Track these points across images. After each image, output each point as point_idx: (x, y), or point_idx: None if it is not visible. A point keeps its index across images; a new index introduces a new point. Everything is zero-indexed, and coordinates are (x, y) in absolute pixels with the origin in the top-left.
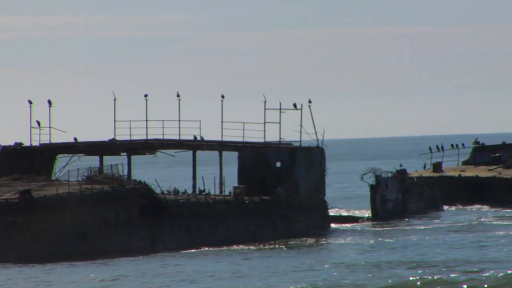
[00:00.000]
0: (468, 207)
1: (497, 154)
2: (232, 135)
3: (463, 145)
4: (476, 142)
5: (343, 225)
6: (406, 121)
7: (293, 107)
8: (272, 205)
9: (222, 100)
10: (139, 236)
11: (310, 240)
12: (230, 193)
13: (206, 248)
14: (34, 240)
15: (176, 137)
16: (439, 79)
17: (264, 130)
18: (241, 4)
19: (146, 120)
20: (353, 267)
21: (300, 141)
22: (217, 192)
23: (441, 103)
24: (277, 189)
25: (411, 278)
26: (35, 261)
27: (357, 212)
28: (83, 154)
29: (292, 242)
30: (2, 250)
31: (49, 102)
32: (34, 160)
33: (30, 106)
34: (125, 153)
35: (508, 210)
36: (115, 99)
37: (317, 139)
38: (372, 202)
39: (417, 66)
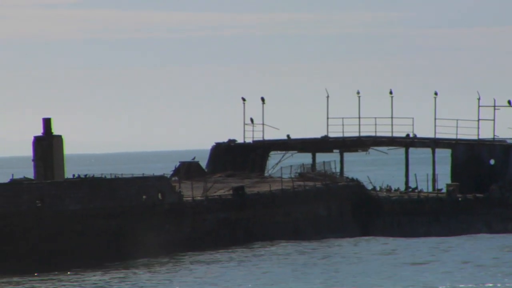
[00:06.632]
0: None
1: None
2: (445, 132)
3: None
4: None
5: None
6: None
7: (507, 104)
8: (486, 202)
9: (435, 97)
10: (351, 232)
11: None
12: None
13: None
14: (248, 236)
15: (389, 134)
16: None
17: (478, 127)
18: (455, 1)
19: (359, 117)
20: None
21: None
22: (430, 190)
23: None
24: (491, 186)
25: None
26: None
27: None
28: (295, 151)
29: None
30: (215, 246)
31: (262, 99)
32: (247, 156)
33: (244, 104)
34: (337, 150)
35: None
36: (327, 96)
37: None
38: None
39: None
